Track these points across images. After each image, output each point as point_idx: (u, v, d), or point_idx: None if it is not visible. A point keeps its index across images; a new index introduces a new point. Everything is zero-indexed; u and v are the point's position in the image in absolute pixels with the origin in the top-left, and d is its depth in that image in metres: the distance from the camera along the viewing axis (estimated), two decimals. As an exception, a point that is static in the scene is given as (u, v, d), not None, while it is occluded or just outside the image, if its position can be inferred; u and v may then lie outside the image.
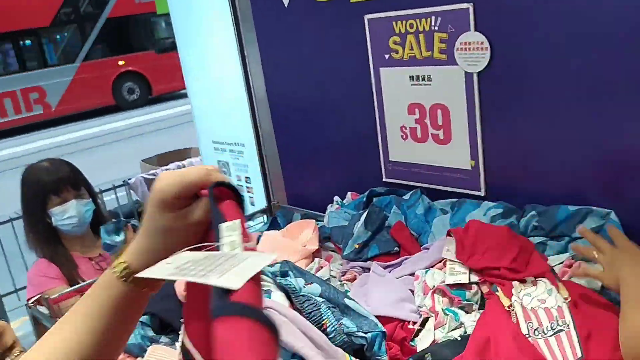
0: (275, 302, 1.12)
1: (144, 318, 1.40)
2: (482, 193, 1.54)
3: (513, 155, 1.47)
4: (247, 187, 2.41)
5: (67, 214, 2.11)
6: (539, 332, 1.06)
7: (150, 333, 1.38)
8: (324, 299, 1.17)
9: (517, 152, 1.46)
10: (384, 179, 1.79)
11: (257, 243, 1.72)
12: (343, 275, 1.49)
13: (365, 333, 1.10)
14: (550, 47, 1.31)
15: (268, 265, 1.28)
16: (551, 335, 1.04)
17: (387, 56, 1.64)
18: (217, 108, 2.46)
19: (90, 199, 2.20)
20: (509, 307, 1.11)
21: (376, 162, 1.80)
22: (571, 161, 1.37)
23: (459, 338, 1.08)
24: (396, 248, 1.50)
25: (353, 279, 1.45)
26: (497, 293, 1.17)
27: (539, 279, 1.17)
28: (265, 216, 2.21)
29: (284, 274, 1.23)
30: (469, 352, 1.02)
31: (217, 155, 2.53)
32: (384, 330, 1.12)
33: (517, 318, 1.09)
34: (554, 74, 1.33)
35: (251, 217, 2.21)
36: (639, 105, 1.22)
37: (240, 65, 2.15)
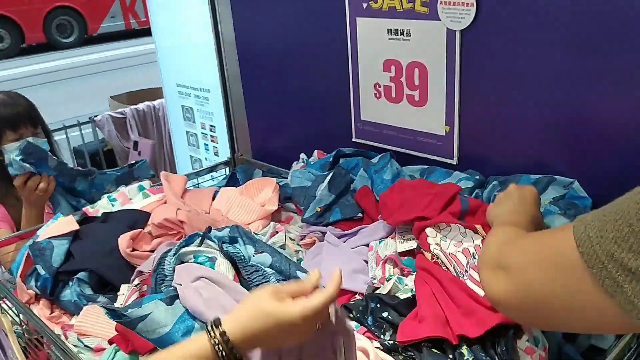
0: (216, 272, 1.02)
1: (82, 275, 1.30)
2: (454, 161, 1.45)
3: (489, 123, 1.37)
4: (212, 136, 2.28)
5: None
6: (462, 274, 1.00)
7: (88, 291, 1.28)
8: (274, 271, 1.07)
9: (493, 120, 1.36)
10: (353, 139, 1.68)
11: (214, 199, 1.61)
12: (302, 240, 1.40)
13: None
14: (539, 11, 1.19)
15: (216, 230, 1.18)
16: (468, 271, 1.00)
17: (365, 5, 1.50)
18: (183, 50, 2.29)
19: (46, 139, 2.04)
20: (432, 258, 1.06)
21: (347, 119, 1.69)
22: (542, 131, 1.29)
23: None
24: (359, 214, 1.41)
25: (312, 244, 1.36)
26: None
27: (453, 223, 1.11)
28: (227, 169, 2.10)
29: (233, 240, 1.13)
30: (420, 307, 0.96)
31: (182, 100, 2.38)
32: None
33: (445, 265, 1.04)
34: (540, 39, 1.21)
35: (213, 168, 2.09)
36: (610, 77, 1.13)
37: (209, 5, 1.98)
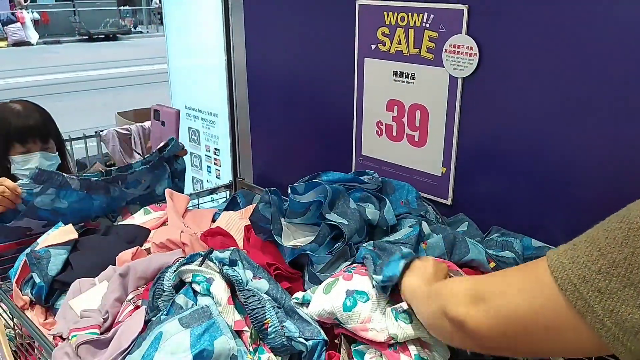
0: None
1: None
2: (448, 202, 1.50)
3: (485, 169, 1.42)
4: (215, 159, 2.33)
5: (29, 164, 1.95)
6: None
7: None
8: (269, 297, 1.11)
9: (489, 168, 1.41)
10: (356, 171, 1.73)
11: (214, 221, 1.65)
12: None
13: (307, 340, 1.05)
14: (541, 63, 1.26)
15: (218, 251, 1.22)
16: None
17: (373, 47, 1.57)
18: (194, 73, 2.36)
19: (57, 153, 2.06)
20: None
21: (348, 153, 1.74)
22: (540, 190, 1.32)
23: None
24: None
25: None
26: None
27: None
28: (228, 192, 2.14)
29: (233, 263, 1.17)
30: None
31: (189, 122, 2.44)
32: (326, 338, 1.07)
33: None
34: (540, 92, 1.28)
35: (214, 190, 2.14)
36: (618, 139, 1.18)
37: (223, 32, 2.06)
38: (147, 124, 4.70)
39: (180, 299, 1.09)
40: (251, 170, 2.14)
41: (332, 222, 1.24)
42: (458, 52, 1.37)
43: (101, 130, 4.23)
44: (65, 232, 1.51)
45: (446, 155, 1.47)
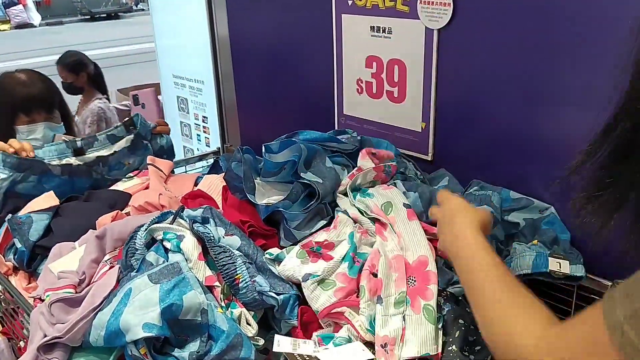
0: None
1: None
2: (429, 157, 1.48)
3: (465, 122, 1.40)
4: (204, 127, 2.32)
5: (33, 135, 1.92)
6: None
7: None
8: (241, 253, 1.11)
9: (469, 120, 1.39)
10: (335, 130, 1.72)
11: (196, 185, 1.65)
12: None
13: (278, 294, 1.05)
14: (517, 11, 1.23)
15: (190, 209, 1.22)
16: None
17: (350, 2, 1.54)
18: (180, 44, 2.34)
19: (62, 124, 2.04)
20: None
21: (330, 114, 1.73)
22: (518, 142, 1.30)
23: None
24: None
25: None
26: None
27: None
28: (216, 158, 2.14)
29: (205, 221, 1.17)
30: None
31: (177, 90, 2.43)
32: (298, 293, 1.07)
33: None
34: (517, 41, 1.25)
35: (202, 157, 2.13)
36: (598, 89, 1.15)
37: (206, 5, 2.03)
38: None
39: (151, 256, 1.10)
40: (238, 136, 2.14)
41: (306, 181, 1.23)
42: (433, 2, 1.34)
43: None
44: (47, 199, 1.51)
45: (425, 110, 1.45)
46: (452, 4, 1.31)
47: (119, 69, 9.58)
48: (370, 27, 1.50)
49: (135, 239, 1.14)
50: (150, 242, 1.15)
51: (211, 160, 2.14)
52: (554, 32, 1.18)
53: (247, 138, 2.12)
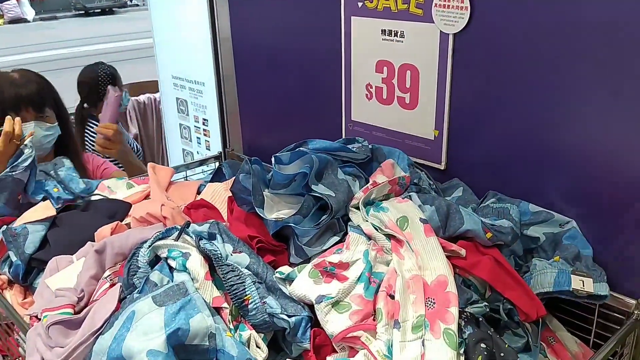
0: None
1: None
2: (442, 167, 1.43)
3: (479, 130, 1.34)
4: (204, 129, 2.26)
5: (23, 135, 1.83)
6: None
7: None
8: (250, 272, 1.05)
9: (484, 128, 1.33)
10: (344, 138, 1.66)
11: (199, 193, 1.59)
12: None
13: (289, 316, 0.99)
14: (538, 15, 1.17)
15: (196, 224, 1.16)
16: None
17: (360, 4, 1.48)
18: (180, 43, 2.27)
19: (57, 123, 1.96)
20: None
21: (337, 119, 1.67)
22: (535, 152, 1.25)
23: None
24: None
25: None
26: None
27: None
28: (217, 163, 2.08)
29: (212, 237, 1.11)
30: None
31: (176, 92, 2.36)
32: (311, 315, 1.01)
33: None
34: (536, 48, 1.19)
35: (203, 162, 2.07)
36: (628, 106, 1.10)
37: (207, 2, 1.96)
38: (142, 97, 4.62)
39: (155, 275, 1.04)
40: (240, 140, 2.07)
41: (318, 194, 1.17)
42: (448, 5, 1.28)
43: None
44: (43, 209, 1.45)
45: (438, 117, 1.39)
46: (469, 8, 1.25)
47: (114, 65, 9.50)
48: (382, 30, 1.44)
49: (138, 256, 1.08)
50: (154, 260, 1.09)
51: (212, 165, 2.08)
52: (576, 37, 1.12)
53: (249, 142, 2.06)
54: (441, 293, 1.01)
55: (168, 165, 2.66)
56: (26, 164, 1.54)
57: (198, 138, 2.30)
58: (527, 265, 1.20)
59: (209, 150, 2.26)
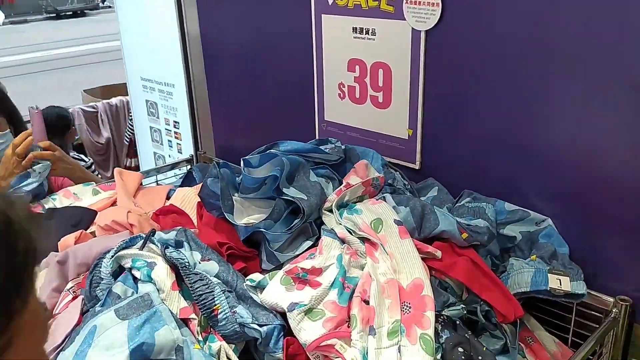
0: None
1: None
2: (416, 166, 1.40)
3: (454, 128, 1.32)
4: (175, 132, 2.21)
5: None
6: None
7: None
8: (219, 281, 1.01)
9: (459, 126, 1.31)
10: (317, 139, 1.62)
11: (168, 199, 1.54)
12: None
13: (261, 326, 0.95)
14: (511, 10, 1.15)
15: (162, 231, 1.12)
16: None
17: (330, 1, 1.44)
18: (148, 44, 2.21)
19: (8, 130, 1.89)
20: None
21: (311, 120, 1.63)
22: (511, 149, 1.22)
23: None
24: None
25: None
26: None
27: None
28: (189, 166, 2.02)
29: (179, 245, 1.06)
30: None
31: (146, 94, 2.30)
32: (283, 324, 0.97)
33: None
34: (510, 43, 1.17)
35: (174, 166, 2.02)
36: (606, 101, 1.08)
37: (175, 2, 1.91)
38: (113, 100, 4.53)
39: (118, 287, 0.99)
40: (212, 142, 2.03)
41: (289, 198, 1.13)
42: (419, 2, 1.25)
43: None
44: (4, 219, 1.39)
45: (412, 116, 1.37)
46: (440, 4, 1.23)
47: (85, 68, 9.32)
48: (353, 28, 1.41)
49: (101, 267, 1.03)
50: (118, 271, 1.04)
51: (184, 169, 2.03)
52: (549, 33, 1.11)
53: (221, 145, 2.01)
54: (417, 297, 0.99)
55: (139, 169, 2.61)
56: (28, 189, 1.48)
57: (169, 141, 2.25)
58: (504, 265, 1.17)
59: (181, 153, 2.21)
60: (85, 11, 17.63)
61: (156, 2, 2.06)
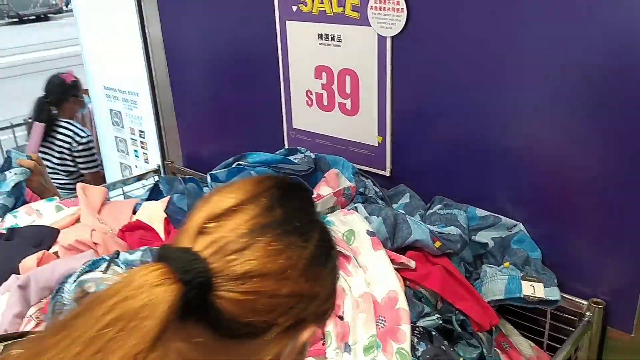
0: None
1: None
2: (387, 173, 1.38)
3: (423, 134, 1.31)
4: (142, 142, 2.15)
5: None
6: None
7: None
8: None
9: (428, 132, 1.30)
10: (286, 147, 1.60)
11: (134, 213, 1.49)
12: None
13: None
14: (475, 15, 1.14)
15: (127, 252, 1.08)
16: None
17: (294, 8, 1.42)
18: (109, 51, 2.15)
19: None
20: None
21: (279, 128, 1.60)
22: (482, 153, 1.22)
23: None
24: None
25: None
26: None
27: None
28: (156, 177, 1.98)
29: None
30: None
31: (110, 103, 2.24)
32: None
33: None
34: (476, 48, 1.16)
35: (141, 177, 1.97)
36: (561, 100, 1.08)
37: (136, 6, 1.86)
38: (90, 105, 4.43)
39: (82, 314, 0.95)
40: (180, 151, 1.98)
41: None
42: (384, 7, 1.24)
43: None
44: (-39, 240, 1.33)
45: (381, 123, 1.35)
46: (405, 10, 1.21)
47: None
48: (318, 34, 1.39)
49: (63, 293, 0.99)
50: (81, 296, 1.00)
51: (151, 180, 1.98)
52: (516, 36, 1.10)
53: (188, 154, 1.97)
54: (392, 310, 0.97)
55: (105, 179, 2.54)
56: (8, 189, 1.50)
57: (135, 151, 2.19)
58: (478, 272, 1.17)
59: (148, 163, 2.16)
60: (49, 15, 17.25)
61: (117, 6, 2.00)
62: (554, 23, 1.04)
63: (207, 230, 0.53)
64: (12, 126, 3.79)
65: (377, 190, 1.33)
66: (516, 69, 1.12)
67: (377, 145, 1.38)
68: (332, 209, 1.18)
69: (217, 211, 0.54)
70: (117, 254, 1.03)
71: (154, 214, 1.44)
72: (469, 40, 1.16)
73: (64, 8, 17.64)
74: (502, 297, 1.09)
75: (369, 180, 1.34)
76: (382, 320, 0.96)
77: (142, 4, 1.85)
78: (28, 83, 8.49)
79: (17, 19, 16.62)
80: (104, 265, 1.02)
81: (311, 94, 1.47)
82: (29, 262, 1.23)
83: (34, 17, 16.91)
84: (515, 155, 1.17)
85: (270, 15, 1.47)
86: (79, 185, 1.51)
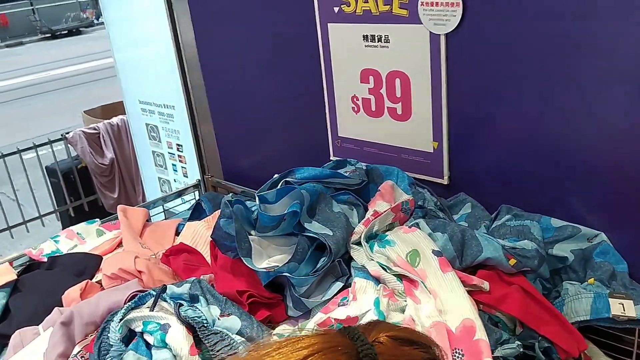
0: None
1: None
2: (445, 181, 1.28)
3: (484, 138, 1.20)
4: (179, 156, 2.09)
5: None
6: None
7: None
8: (243, 339, 0.89)
9: (489, 135, 1.19)
10: (331, 157, 1.51)
11: (177, 234, 1.42)
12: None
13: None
14: (533, 14, 1.02)
15: (174, 284, 1.00)
16: None
17: (336, 9, 1.32)
18: (143, 64, 2.10)
19: None
20: None
21: (324, 136, 1.51)
22: (552, 155, 1.10)
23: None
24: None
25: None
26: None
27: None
28: (197, 192, 1.91)
29: (194, 299, 0.95)
30: None
31: (145, 118, 2.19)
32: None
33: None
34: (539, 44, 1.04)
35: (181, 193, 1.91)
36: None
37: (167, 15, 1.80)
38: (115, 120, 4.43)
39: (130, 356, 0.87)
40: (219, 165, 1.91)
41: (312, 235, 1.01)
42: (437, 3, 1.13)
43: (67, 133, 3.98)
44: (2, 273, 1.28)
45: (436, 127, 1.25)
46: (461, 4, 1.10)
47: (84, 87, 9.23)
48: (363, 36, 1.29)
49: (109, 332, 0.92)
50: (128, 335, 0.93)
51: (191, 196, 1.92)
52: (580, 29, 0.98)
53: (228, 167, 1.90)
54: (469, 341, 0.87)
55: (144, 195, 2.49)
56: None
57: (174, 165, 2.14)
58: (557, 290, 1.05)
59: (187, 177, 2.10)
60: (81, 29, 17.58)
61: (148, 16, 1.95)
62: (624, 16, 0.92)
63: None
64: (50, 142, 3.82)
65: (436, 201, 1.23)
66: (591, 62, 1.00)
67: (432, 151, 1.28)
68: (390, 226, 1.08)
69: None
70: (164, 288, 0.96)
71: (197, 235, 1.37)
72: (531, 35, 1.05)
73: (95, 21, 17.95)
74: (588, 318, 0.97)
75: (427, 190, 1.24)
76: (459, 353, 0.86)
77: (175, 13, 1.79)
78: (64, 98, 8.63)
79: (49, 35, 16.98)
80: (150, 301, 0.94)
81: (357, 100, 1.37)
82: (72, 293, 1.18)
83: (66, 32, 17.25)
84: (593, 156, 1.05)
85: (310, 18, 1.38)
86: (120, 207, 1.45)
